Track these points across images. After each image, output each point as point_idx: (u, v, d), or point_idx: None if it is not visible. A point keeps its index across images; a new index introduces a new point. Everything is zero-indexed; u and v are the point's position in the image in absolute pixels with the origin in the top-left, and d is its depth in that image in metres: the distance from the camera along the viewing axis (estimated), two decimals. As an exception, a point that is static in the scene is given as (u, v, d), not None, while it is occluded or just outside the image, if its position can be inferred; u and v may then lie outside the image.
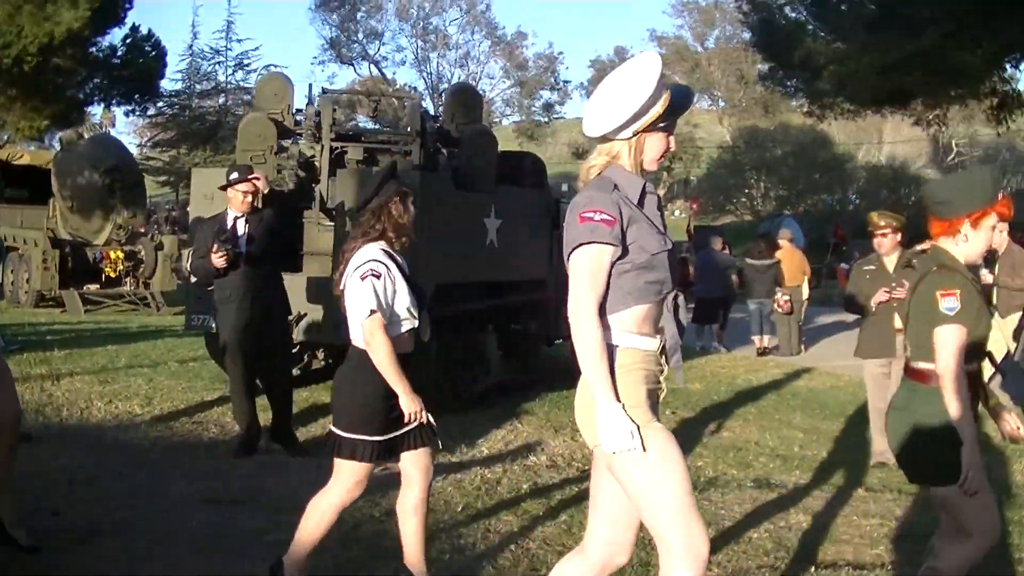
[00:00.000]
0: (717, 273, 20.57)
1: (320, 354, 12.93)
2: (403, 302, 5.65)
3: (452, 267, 11.06)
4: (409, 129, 11.71)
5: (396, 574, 5.83)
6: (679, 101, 4.08)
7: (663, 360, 4.01)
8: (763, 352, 19.64)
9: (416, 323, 5.76)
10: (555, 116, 76.40)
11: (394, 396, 5.59)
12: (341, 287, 5.71)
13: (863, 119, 42.50)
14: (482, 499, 7.72)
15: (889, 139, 67.64)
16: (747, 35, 38.85)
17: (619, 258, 3.86)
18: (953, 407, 4.53)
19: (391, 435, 5.64)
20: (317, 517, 5.66)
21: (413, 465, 5.74)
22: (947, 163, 69.58)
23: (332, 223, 10.69)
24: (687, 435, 10.63)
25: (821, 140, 64.26)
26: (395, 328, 5.63)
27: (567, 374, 13.78)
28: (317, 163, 11.41)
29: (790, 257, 20.23)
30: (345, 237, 10.26)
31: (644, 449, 3.74)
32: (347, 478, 5.65)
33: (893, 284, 9.24)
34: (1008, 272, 12.00)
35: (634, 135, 3.99)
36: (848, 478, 9.08)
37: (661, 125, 4.02)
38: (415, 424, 5.68)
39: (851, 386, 12.56)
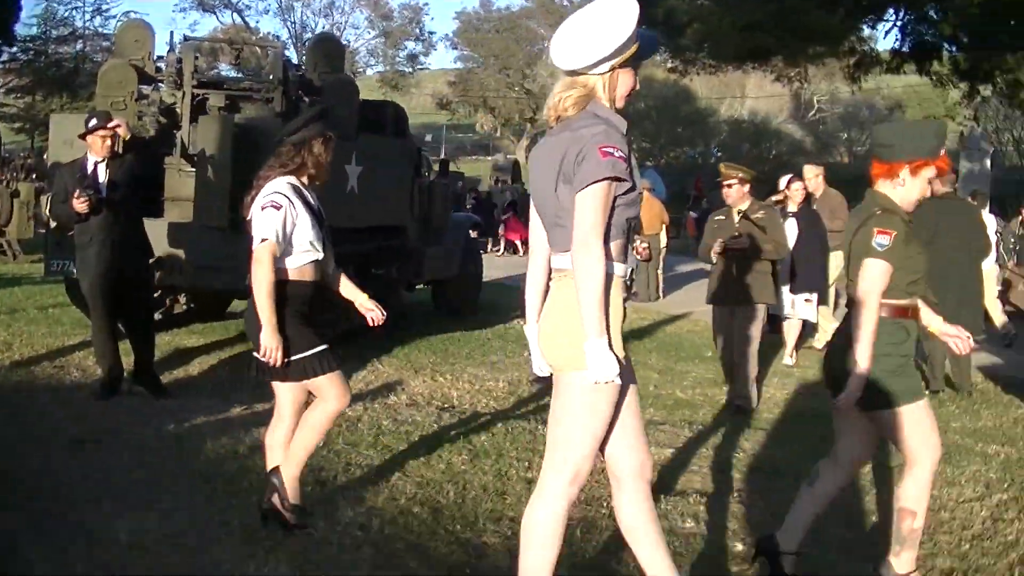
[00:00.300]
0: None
1: (182, 298, 13.00)
2: (305, 235, 5.83)
3: (313, 213, 11.22)
4: (272, 77, 11.79)
5: (259, 505, 6.00)
6: (649, 46, 4.27)
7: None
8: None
9: (320, 255, 5.96)
10: (419, 67, 76.12)
11: (316, 311, 5.97)
12: (248, 215, 5.90)
13: (725, 75, 43.27)
14: (343, 435, 7.93)
15: (751, 94, 68.70)
16: (612, -11, 39.06)
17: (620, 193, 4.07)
18: (861, 331, 4.90)
19: (325, 346, 5.90)
20: (310, 433, 5.90)
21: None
22: (808, 119, 71.06)
23: (193, 169, 10.74)
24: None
25: (684, 94, 65.11)
26: (296, 259, 5.84)
27: (427, 317, 14.04)
28: (178, 110, 11.43)
29: (649, 206, 20.65)
30: (207, 183, 10.44)
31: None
32: (326, 391, 5.86)
33: (736, 233, 9.62)
34: (828, 216, 12.65)
35: (610, 70, 4.13)
36: (700, 415, 9.51)
37: (631, 64, 4.18)
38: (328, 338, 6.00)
39: (706, 330, 12.97)
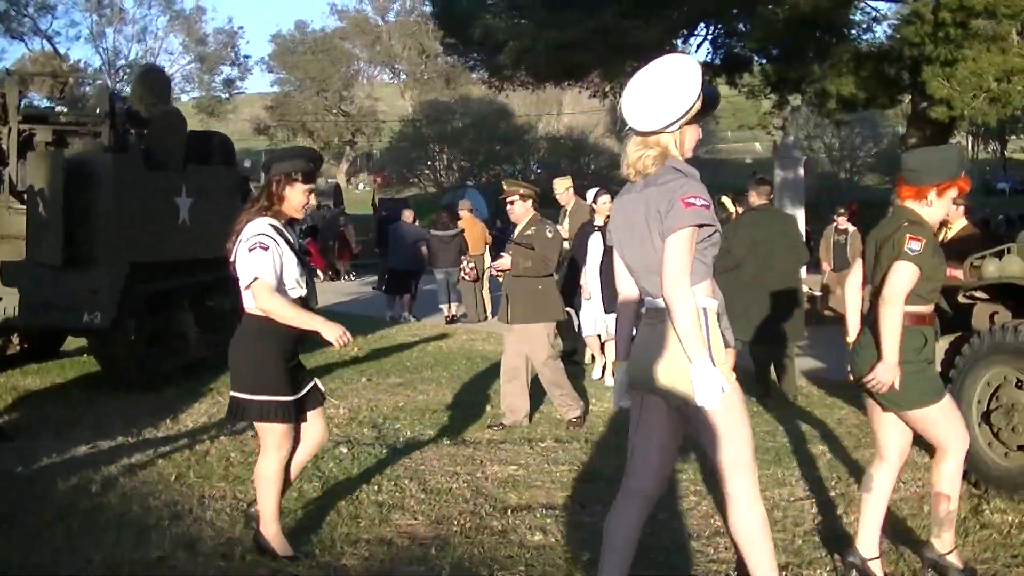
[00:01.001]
0: (406, 245, 21.06)
1: (15, 339, 12.76)
2: (291, 273, 5.93)
3: (146, 246, 11.17)
4: (99, 111, 11.70)
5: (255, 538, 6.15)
6: (712, 101, 4.81)
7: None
8: (451, 320, 20.27)
9: (304, 291, 6.03)
10: (236, 91, 75.34)
11: (291, 358, 5.99)
12: (232, 258, 5.92)
13: (543, 91, 43.84)
14: (194, 468, 7.93)
15: (568, 110, 69.73)
16: (428, 8, 39.29)
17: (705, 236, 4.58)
18: (889, 326, 5.36)
19: (298, 395, 6.00)
20: (264, 484, 6.00)
21: (312, 425, 6.18)
22: (625, 132, 72.18)
23: (23, 206, 10.58)
24: (383, 401, 11.10)
25: (502, 112, 65.75)
26: (284, 297, 5.88)
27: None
28: (4, 146, 11.22)
29: (472, 227, 21.00)
30: (38, 220, 10.31)
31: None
32: (270, 442, 5.94)
33: (508, 251, 9.83)
34: None
35: (679, 128, 4.67)
36: (538, 432, 9.70)
37: (696, 119, 4.72)
38: (311, 385, 6.13)
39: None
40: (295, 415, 6.00)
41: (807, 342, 13.29)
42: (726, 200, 12.06)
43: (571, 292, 12.46)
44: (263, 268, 5.73)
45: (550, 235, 9.72)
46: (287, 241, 5.97)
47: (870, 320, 5.64)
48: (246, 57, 77.24)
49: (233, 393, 5.96)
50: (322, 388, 6.28)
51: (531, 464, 8.40)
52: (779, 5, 21.96)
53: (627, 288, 4.96)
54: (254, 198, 6.10)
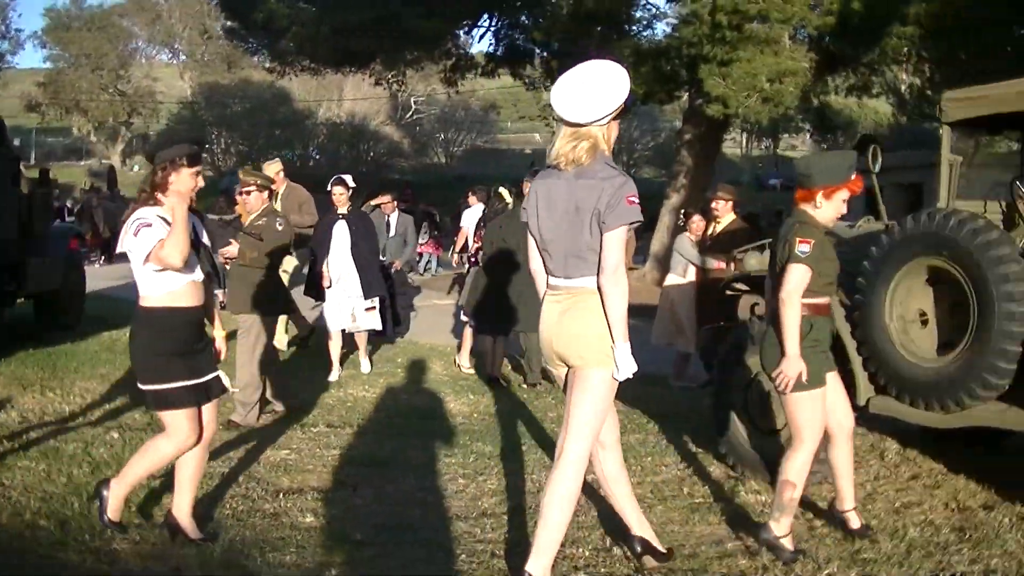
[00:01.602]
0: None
1: None
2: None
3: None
4: None
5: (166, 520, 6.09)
6: (630, 105, 5.38)
7: None
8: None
9: (199, 277, 5.90)
10: (6, 66, 72.36)
11: (193, 340, 5.86)
12: (121, 248, 5.78)
13: (324, 77, 43.57)
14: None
15: (350, 96, 69.40)
16: (210, -10, 38.63)
17: None
18: (789, 324, 5.81)
19: (201, 379, 5.87)
20: (148, 459, 5.96)
21: (204, 416, 6.01)
22: (405, 120, 72.38)
23: None
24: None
25: (282, 96, 65.02)
26: (174, 282, 5.76)
27: (31, 332, 13.54)
28: None
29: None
30: None
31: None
32: (174, 429, 5.81)
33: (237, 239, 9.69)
34: (296, 211, 12.94)
35: (607, 123, 5.25)
36: (312, 418, 9.70)
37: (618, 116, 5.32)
38: (213, 375, 5.97)
39: (316, 336, 13.25)
40: (195, 399, 5.90)
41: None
42: (503, 191, 12.24)
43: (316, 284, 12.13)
44: (153, 240, 5.63)
45: (280, 228, 9.53)
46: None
47: (772, 318, 6.07)
48: (18, 31, 74.07)
49: (139, 385, 5.91)
50: (225, 381, 6.13)
51: (303, 449, 8.43)
52: (562, -1, 22.37)
53: (540, 265, 5.54)
54: (139, 190, 5.94)
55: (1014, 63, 17.73)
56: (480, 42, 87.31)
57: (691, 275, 11.64)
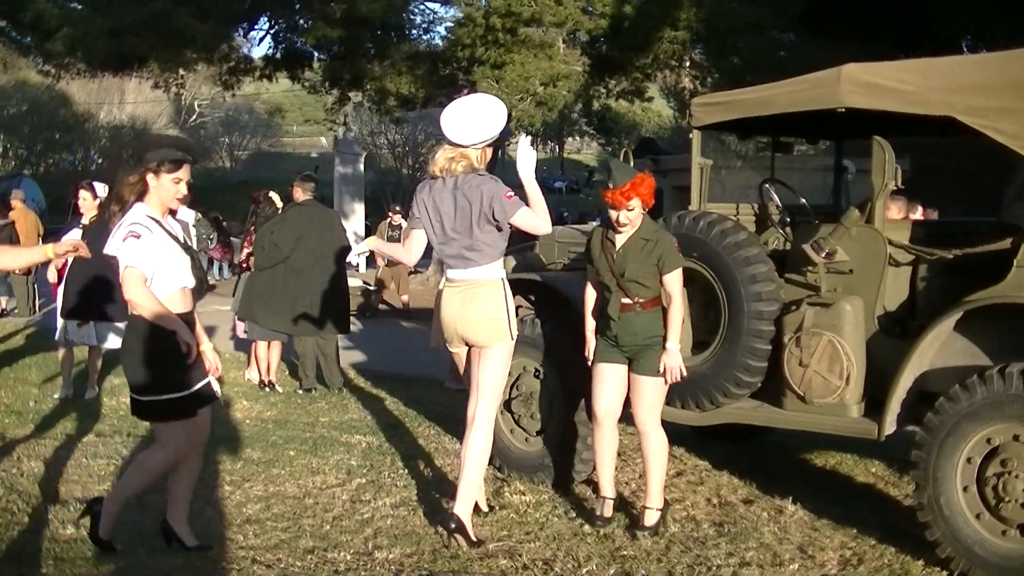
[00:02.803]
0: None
1: None
2: (171, 262, 5.63)
3: None
4: None
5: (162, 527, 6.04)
6: (505, 135, 6.63)
7: None
8: (3, 314, 19.33)
9: (191, 283, 5.72)
10: None
11: (184, 353, 5.57)
12: (109, 251, 5.55)
13: (103, 80, 42.38)
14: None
15: (131, 99, 67.63)
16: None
17: None
18: (673, 319, 6.35)
19: (194, 387, 5.67)
20: (140, 476, 5.88)
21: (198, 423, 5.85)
22: (189, 123, 70.94)
23: None
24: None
25: (60, 99, 62.95)
26: (165, 288, 5.61)
27: None
28: None
29: (24, 218, 20.03)
30: None
31: None
32: (168, 440, 5.66)
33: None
34: None
35: (482, 148, 6.30)
36: (79, 427, 9.42)
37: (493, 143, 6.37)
38: (205, 381, 5.74)
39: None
40: (188, 410, 5.74)
41: (354, 334, 13.52)
42: (274, 195, 12.10)
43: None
44: (136, 258, 5.47)
45: None
46: (166, 230, 5.70)
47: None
48: None
49: (131, 396, 5.78)
50: (216, 387, 5.91)
51: (69, 459, 8.18)
52: (337, 3, 22.25)
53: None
54: (116, 193, 5.79)
55: (781, 66, 18.44)
56: (260, 45, 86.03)
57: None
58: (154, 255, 5.60)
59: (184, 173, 5.75)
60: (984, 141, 5.91)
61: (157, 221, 5.69)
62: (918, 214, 8.63)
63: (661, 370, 6.35)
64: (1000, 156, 5.95)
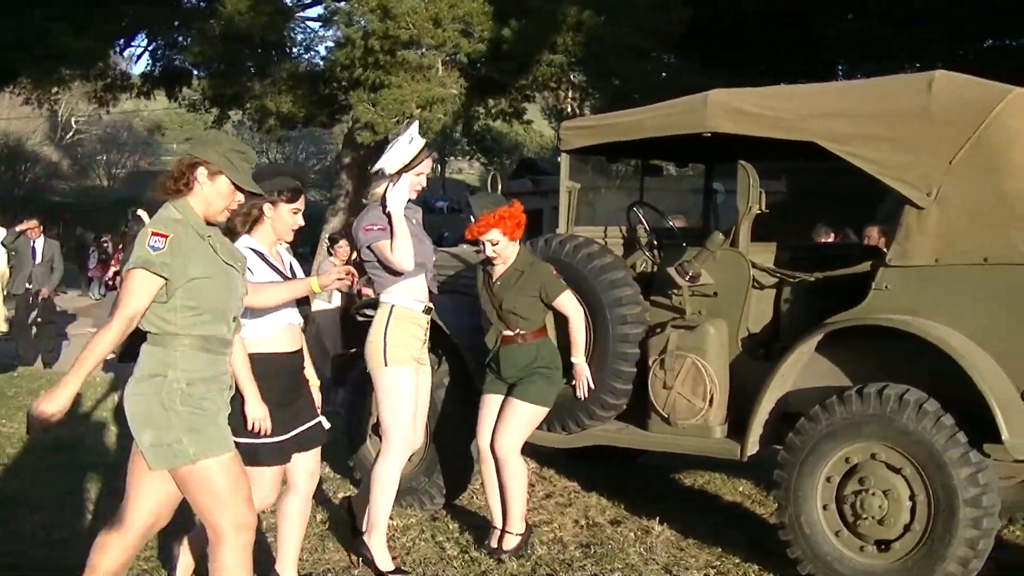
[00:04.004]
0: None
1: None
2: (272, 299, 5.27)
3: None
4: None
5: None
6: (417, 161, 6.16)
7: None
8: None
9: (297, 320, 5.44)
10: None
11: (289, 389, 5.33)
12: None
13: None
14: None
15: (3, 116, 66.32)
16: None
17: None
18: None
19: (288, 435, 5.28)
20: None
21: (304, 466, 5.49)
22: (66, 141, 69.70)
23: None
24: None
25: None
26: (269, 326, 5.31)
27: None
28: None
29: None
30: None
31: None
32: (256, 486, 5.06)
33: None
34: None
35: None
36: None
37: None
38: (314, 422, 5.42)
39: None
40: (285, 456, 5.38)
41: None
42: (142, 213, 11.90)
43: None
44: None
45: None
46: (269, 264, 5.39)
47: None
48: None
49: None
50: (325, 424, 5.59)
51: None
52: (216, 20, 22.06)
53: None
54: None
55: (662, 89, 18.67)
56: (137, 63, 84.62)
57: (336, 301, 11.61)
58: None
59: (302, 203, 5.51)
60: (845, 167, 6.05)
61: (260, 255, 5.39)
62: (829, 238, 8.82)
63: (538, 399, 6.42)
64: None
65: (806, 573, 5.84)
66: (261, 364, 5.14)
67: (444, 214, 59.93)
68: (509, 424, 6.46)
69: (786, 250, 6.92)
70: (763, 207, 6.35)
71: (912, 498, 5.60)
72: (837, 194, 9.55)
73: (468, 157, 69.35)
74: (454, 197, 67.15)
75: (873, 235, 9.12)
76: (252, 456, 5.10)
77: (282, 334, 5.38)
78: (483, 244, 6.35)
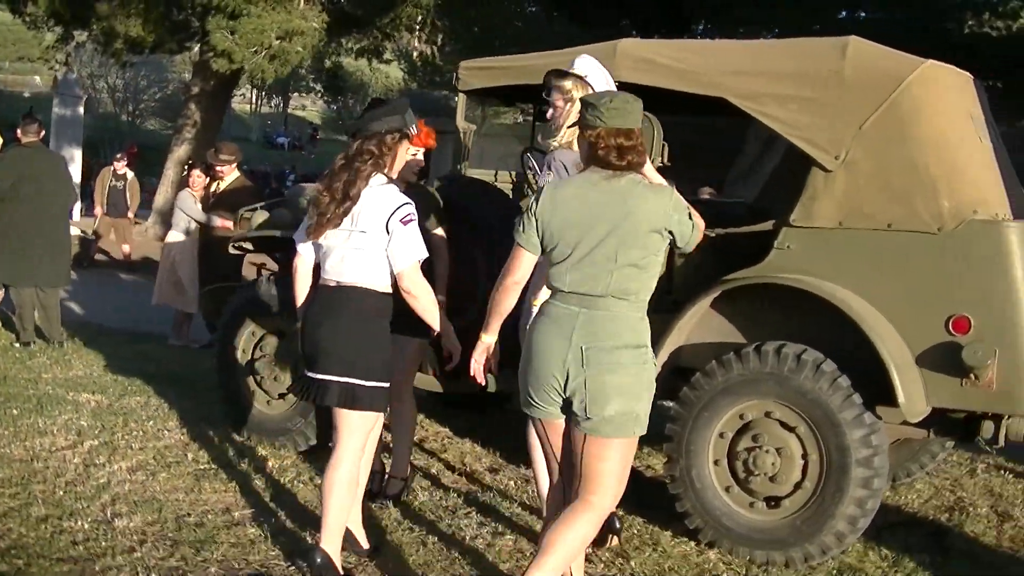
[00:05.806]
0: None
1: None
2: None
3: None
4: None
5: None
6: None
7: None
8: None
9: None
10: None
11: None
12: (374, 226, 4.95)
13: None
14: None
15: None
16: None
17: None
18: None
19: None
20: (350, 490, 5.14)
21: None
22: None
23: None
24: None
25: None
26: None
27: None
28: None
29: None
30: None
31: None
32: (362, 430, 5.12)
33: None
34: None
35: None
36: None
37: None
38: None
39: None
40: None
41: (72, 287, 12.86)
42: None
43: None
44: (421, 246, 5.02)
45: None
46: None
47: None
48: None
49: (347, 379, 5.03)
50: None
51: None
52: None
53: None
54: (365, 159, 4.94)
55: (523, 38, 18.63)
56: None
57: (193, 232, 11.32)
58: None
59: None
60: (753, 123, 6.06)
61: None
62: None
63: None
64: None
65: (694, 527, 5.90)
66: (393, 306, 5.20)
67: (285, 150, 59.23)
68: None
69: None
70: (665, 160, 6.33)
71: (804, 456, 5.68)
72: (708, 150, 9.62)
73: (312, 93, 68.66)
74: (295, 133, 66.37)
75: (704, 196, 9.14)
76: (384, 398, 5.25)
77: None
78: None
